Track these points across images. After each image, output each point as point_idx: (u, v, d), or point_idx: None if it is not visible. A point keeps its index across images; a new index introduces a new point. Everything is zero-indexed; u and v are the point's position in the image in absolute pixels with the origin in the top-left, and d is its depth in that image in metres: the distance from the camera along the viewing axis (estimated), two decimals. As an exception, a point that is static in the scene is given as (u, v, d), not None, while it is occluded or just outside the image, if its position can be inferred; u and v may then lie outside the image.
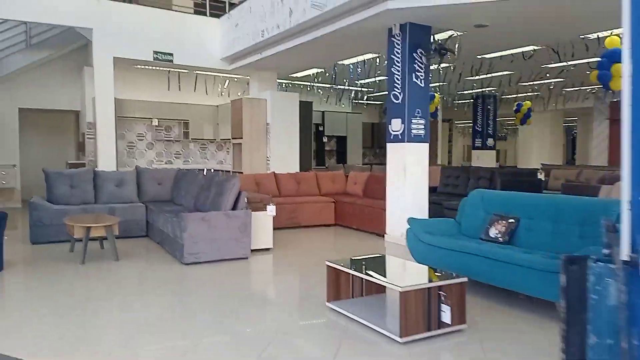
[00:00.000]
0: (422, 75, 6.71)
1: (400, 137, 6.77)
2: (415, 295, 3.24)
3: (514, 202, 4.81)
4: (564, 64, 9.08)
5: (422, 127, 6.80)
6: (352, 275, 3.88)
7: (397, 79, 6.73)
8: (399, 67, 6.71)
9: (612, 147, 14.32)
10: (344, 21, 6.83)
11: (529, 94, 14.53)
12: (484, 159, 15.63)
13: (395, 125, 6.81)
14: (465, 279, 3.47)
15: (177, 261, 5.56)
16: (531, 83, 12.01)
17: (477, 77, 11.16)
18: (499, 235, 4.66)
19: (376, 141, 18.39)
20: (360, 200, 8.18)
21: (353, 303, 3.92)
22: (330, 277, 3.96)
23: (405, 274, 3.83)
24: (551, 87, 12.69)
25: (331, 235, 7.84)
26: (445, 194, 9.58)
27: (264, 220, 6.20)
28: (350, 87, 13.58)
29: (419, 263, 4.94)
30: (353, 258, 4.14)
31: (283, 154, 10.29)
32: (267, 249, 6.30)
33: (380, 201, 7.69)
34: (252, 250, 5.89)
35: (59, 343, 3.26)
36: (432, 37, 6.67)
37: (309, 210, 8.29)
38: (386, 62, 8.76)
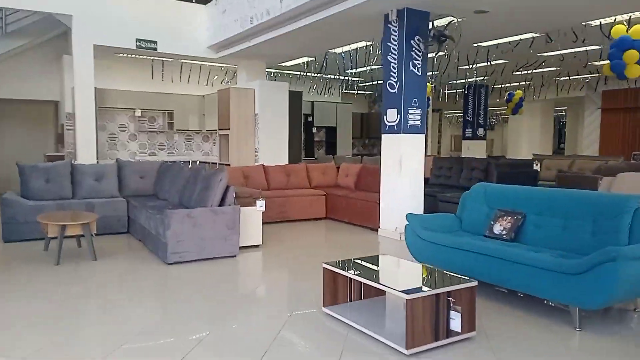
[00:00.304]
0: (419, 64, 6.40)
1: (396, 128, 6.46)
2: (423, 303, 2.95)
3: (519, 196, 4.54)
4: (564, 51, 8.83)
5: (419, 117, 6.50)
6: (351, 278, 3.58)
7: (393, 67, 6.41)
8: (395, 55, 6.38)
9: (603, 137, 14.20)
10: (339, 6, 6.47)
11: (520, 83, 14.31)
12: (475, 149, 15.44)
13: (391, 116, 6.50)
14: (475, 283, 3.19)
15: (160, 261, 5.21)
16: (525, 72, 11.78)
17: (471, 66, 10.87)
18: (504, 232, 4.39)
19: (365, 132, 18.10)
20: (352, 193, 7.88)
21: (352, 308, 3.62)
22: (327, 280, 3.66)
23: (409, 276, 3.54)
24: (545, 76, 12.47)
25: (322, 230, 7.54)
26: (438, 186, 9.33)
27: (253, 216, 5.87)
28: (341, 77, 13.22)
29: (419, 262, 4.68)
30: (350, 259, 3.83)
31: (272, 146, 9.93)
32: (257, 246, 5.98)
33: (373, 194, 7.41)
34: (240, 247, 5.57)
35: (34, 356, 2.91)
36: (430, 23, 6.35)
37: (299, 203, 7.98)
38: (380, 50, 8.45)
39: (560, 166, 11.65)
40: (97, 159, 9.62)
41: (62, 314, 3.68)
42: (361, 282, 3.68)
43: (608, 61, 6.78)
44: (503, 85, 15.36)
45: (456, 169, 10.00)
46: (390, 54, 6.45)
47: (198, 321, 3.55)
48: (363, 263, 3.73)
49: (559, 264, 3.51)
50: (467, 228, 4.81)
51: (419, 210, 6.71)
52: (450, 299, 3.08)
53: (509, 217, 4.45)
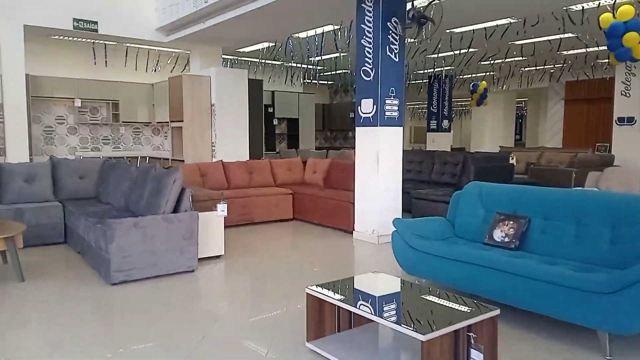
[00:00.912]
0: (396, 49, 5.77)
1: (371, 120, 5.83)
2: (442, 344, 2.32)
3: (520, 197, 4.00)
4: (537, 39, 8.47)
5: (397, 108, 5.89)
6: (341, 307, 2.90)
7: (368, 52, 5.75)
8: (370, 38, 5.72)
9: (566, 128, 14.18)
10: (305, -18, 5.75)
11: (487, 73, 14.05)
12: (440, 142, 15.13)
13: (366, 107, 5.86)
14: (497, 311, 2.60)
15: (103, 280, 4.36)
16: (493, 62, 11.44)
17: (438, 55, 10.39)
18: (507, 239, 3.84)
19: (327, 124, 17.48)
20: (322, 191, 7.21)
21: (341, 340, 2.96)
22: (312, 309, 2.97)
23: (412, 302, 2.90)
24: (513, 66, 12.21)
25: (290, 234, 6.84)
26: (410, 181, 8.80)
27: (213, 223, 5.09)
28: (304, 65, 12.47)
29: (409, 274, 4.08)
30: (338, 281, 3.16)
31: (231, 139, 9.10)
32: (218, 257, 5.21)
33: (344, 192, 6.77)
34: (199, 259, 4.79)
35: None
36: (409, 3, 5.73)
37: (263, 204, 7.23)
38: (349, 35, 7.79)
39: (528, 159, 11.44)
40: (31, 155, 8.52)
41: (-34, 364, 2.82)
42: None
43: (611, 52, 6.43)
44: (466, 76, 15.08)
45: (427, 163, 9.54)
46: (365, 37, 5.78)
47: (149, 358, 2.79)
48: (354, 285, 3.07)
49: (584, 280, 2.97)
50: (462, 234, 4.25)
51: (398, 211, 6.13)
52: (471, 334, 2.47)
53: (512, 222, 3.91)
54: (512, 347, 3.06)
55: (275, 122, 13.99)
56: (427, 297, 2.88)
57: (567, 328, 3.31)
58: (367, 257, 5.59)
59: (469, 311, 2.59)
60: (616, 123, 10.63)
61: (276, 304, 3.92)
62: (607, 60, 10.89)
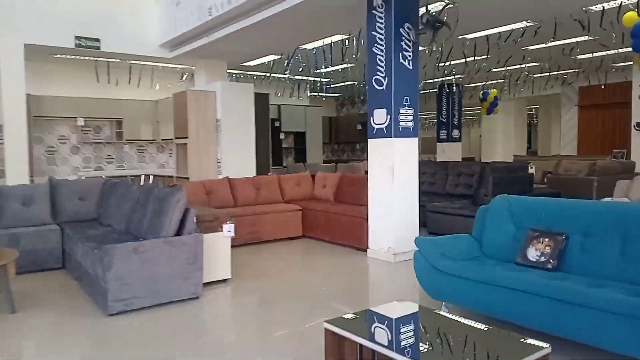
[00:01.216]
0: (410, 56, 5.46)
1: (385, 131, 5.50)
2: (489, 393, 1.96)
3: (555, 212, 3.64)
4: (552, 44, 8.15)
5: (411, 118, 5.57)
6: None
7: (380, 60, 5.45)
8: (382, 46, 5.43)
9: (581, 135, 13.77)
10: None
11: (498, 81, 13.71)
12: (450, 152, 14.76)
13: (379, 117, 5.54)
14: (548, 349, 2.23)
15: (100, 310, 4.04)
16: (505, 69, 11.12)
17: (449, 63, 10.08)
18: (544, 259, 3.47)
19: (334, 136, 17.20)
20: (332, 206, 6.86)
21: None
22: (330, 346, 2.61)
23: (449, 338, 2.53)
24: (526, 72, 11.86)
25: (301, 252, 6.49)
26: (423, 194, 8.42)
27: (219, 244, 4.77)
28: (311, 78, 12.20)
29: (434, 299, 3.71)
30: (359, 313, 2.81)
31: (237, 155, 8.80)
32: (224, 281, 4.87)
33: (356, 207, 6.43)
34: (204, 284, 4.45)
35: None
36: (422, 8, 5.44)
37: (272, 221, 6.89)
38: (358, 43, 7.52)
39: (545, 167, 11.02)
40: (32, 176, 8.29)
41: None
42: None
43: (634, 52, 6.08)
44: (475, 84, 14.76)
45: (441, 175, 9.19)
46: (376, 45, 5.49)
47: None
48: (380, 320, 2.71)
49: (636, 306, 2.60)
50: (490, 253, 3.88)
51: (415, 226, 5.78)
52: (521, 379, 2.10)
53: (547, 239, 3.54)
54: (560, 384, 2.68)
55: (282, 136, 13.72)
56: (464, 332, 2.51)
57: (619, 360, 2.92)
58: (384, 278, 5.23)
59: (516, 351, 2.22)
60: (635, 128, 10.24)
61: (289, 332, 3.57)
62: (623, 64, 10.52)
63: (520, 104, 16.70)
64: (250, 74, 11.71)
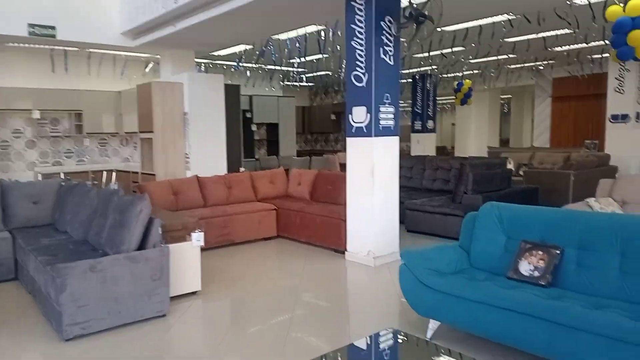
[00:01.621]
0: (391, 51, 5.16)
1: (365, 130, 5.20)
2: None
3: (550, 222, 3.42)
4: (532, 36, 7.98)
5: (392, 116, 5.28)
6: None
7: (360, 55, 5.12)
8: (361, 40, 5.10)
9: (554, 126, 13.81)
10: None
11: (471, 72, 13.57)
12: (425, 143, 14.64)
13: (359, 115, 5.23)
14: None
15: (55, 333, 3.63)
16: (480, 60, 10.95)
17: (428, 54, 9.82)
18: (538, 274, 3.26)
19: (307, 127, 16.86)
20: (308, 206, 6.55)
21: None
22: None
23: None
24: (501, 64, 11.72)
25: (276, 254, 6.18)
26: (400, 189, 8.22)
27: (188, 255, 4.40)
28: (284, 68, 11.76)
29: (422, 315, 3.47)
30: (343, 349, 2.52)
31: (206, 150, 8.35)
32: (194, 293, 4.52)
33: (333, 207, 6.15)
34: (172, 298, 4.10)
35: None
36: (405, 0, 5.12)
37: (244, 222, 6.54)
38: (334, 33, 7.17)
39: (519, 160, 10.96)
40: (-17, 174, 7.65)
41: None
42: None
43: (612, 48, 5.93)
44: (450, 75, 14.61)
45: (418, 169, 9.00)
46: (355, 38, 5.15)
47: None
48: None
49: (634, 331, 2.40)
50: (480, 264, 3.65)
51: (396, 230, 5.54)
52: None
53: (541, 252, 3.32)
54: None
55: (254, 127, 13.28)
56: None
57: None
58: (364, 285, 4.97)
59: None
60: (610, 120, 10.26)
61: (265, 349, 3.26)
62: (599, 56, 10.50)
63: (494, 94, 16.68)
64: (220, 64, 11.20)
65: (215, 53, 9.64)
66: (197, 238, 4.44)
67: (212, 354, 3.42)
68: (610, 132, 10.14)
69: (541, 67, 12.66)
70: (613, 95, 10.00)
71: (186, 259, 4.38)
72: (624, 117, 9.97)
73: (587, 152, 10.75)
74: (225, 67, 11.45)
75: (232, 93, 9.75)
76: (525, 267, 3.33)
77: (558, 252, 3.25)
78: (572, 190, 8.01)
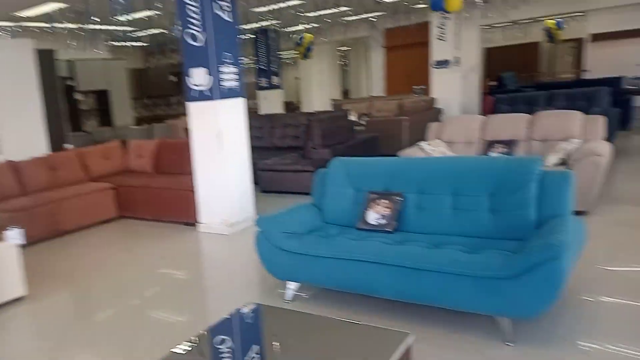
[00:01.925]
0: (228, 6, 4.77)
1: (207, 93, 4.82)
2: None
3: (392, 171, 3.55)
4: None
5: (236, 76, 4.96)
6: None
7: (191, 11, 4.65)
8: (190, -8, 4.61)
9: (388, 75, 14.68)
10: None
11: (310, 26, 13.62)
12: (272, 99, 14.51)
13: (198, 78, 4.81)
14: (411, 338, 2.03)
15: None
16: (320, 13, 10.98)
17: (264, 9, 9.51)
18: (385, 221, 3.37)
19: (144, 91, 15.52)
20: (152, 180, 6.03)
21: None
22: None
23: (311, 346, 2.20)
24: (337, 16, 11.90)
25: (118, 238, 5.60)
26: (252, 150, 8.05)
27: (3, 256, 3.70)
28: (111, 27, 10.42)
29: (280, 279, 3.40)
30: (190, 343, 2.30)
31: (20, 128, 7.12)
32: (19, 299, 3.85)
33: (180, 178, 5.73)
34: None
35: None
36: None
37: (76, 206, 5.77)
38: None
39: (360, 110, 11.46)
40: None
41: None
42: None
43: None
44: (289, 29, 14.52)
45: (267, 129, 8.86)
46: (182, -9, 4.65)
47: None
48: (223, 331, 2.24)
49: (484, 268, 2.61)
50: (332, 219, 3.67)
51: (248, 193, 5.35)
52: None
53: (386, 201, 3.43)
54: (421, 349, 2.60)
55: (79, 97, 11.75)
56: (321, 334, 2.20)
57: (469, 318, 2.98)
58: (221, 255, 4.75)
59: (378, 348, 1.98)
60: (433, 66, 11.15)
61: (120, 334, 2.91)
62: (421, 6, 11.23)
63: (333, 47, 17.08)
64: (29, 26, 9.50)
65: (21, 14, 8.10)
66: (14, 236, 3.74)
67: (57, 346, 2.94)
68: (434, 78, 11.07)
69: (374, 19, 13.20)
70: (436, 42, 10.85)
71: (2, 261, 3.68)
72: (445, 63, 10.93)
73: (416, 96, 11.66)
74: (37, 31, 9.79)
75: (45, 60, 8.37)
76: (373, 217, 3.42)
77: (400, 199, 3.39)
78: (408, 136, 8.61)
